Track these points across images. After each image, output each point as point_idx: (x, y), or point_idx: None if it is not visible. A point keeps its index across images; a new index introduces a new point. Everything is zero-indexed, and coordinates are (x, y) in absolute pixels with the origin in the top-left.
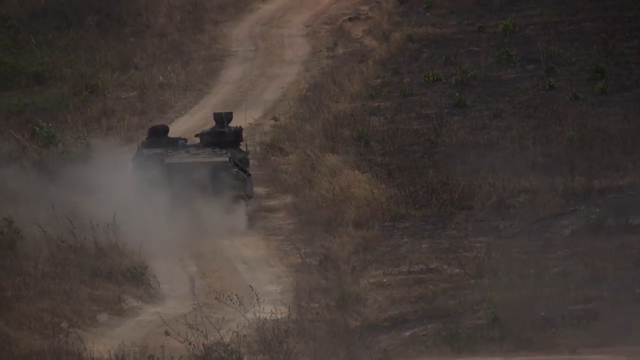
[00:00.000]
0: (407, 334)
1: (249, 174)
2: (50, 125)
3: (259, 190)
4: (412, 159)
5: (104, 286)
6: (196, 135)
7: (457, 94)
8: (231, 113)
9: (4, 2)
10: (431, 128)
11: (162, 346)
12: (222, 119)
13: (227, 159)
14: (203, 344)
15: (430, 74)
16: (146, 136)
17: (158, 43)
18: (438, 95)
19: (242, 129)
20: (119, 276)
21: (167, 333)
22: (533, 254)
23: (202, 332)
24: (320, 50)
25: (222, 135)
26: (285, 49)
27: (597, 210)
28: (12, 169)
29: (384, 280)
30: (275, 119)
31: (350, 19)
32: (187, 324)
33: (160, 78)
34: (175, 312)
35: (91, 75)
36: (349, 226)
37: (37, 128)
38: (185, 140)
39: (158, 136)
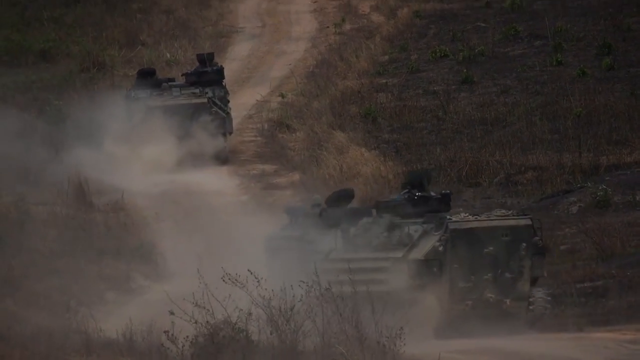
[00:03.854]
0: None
1: (228, 112)
2: (60, 102)
3: (266, 167)
4: (420, 136)
5: (112, 264)
6: (182, 75)
7: (464, 71)
8: (213, 53)
9: None
10: (438, 105)
11: (168, 328)
12: (205, 59)
13: (205, 100)
14: (210, 322)
15: (437, 50)
16: (135, 78)
17: (165, 20)
18: (445, 71)
19: (223, 68)
20: (127, 254)
21: (171, 312)
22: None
23: (209, 310)
24: (328, 27)
25: (205, 75)
26: (293, 26)
27: (605, 187)
28: (21, 146)
29: None
30: (283, 96)
31: None
32: (194, 303)
33: (167, 55)
34: (183, 289)
35: (98, 52)
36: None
37: (47, 108)
38: (173, 80)
39: (145, 78)
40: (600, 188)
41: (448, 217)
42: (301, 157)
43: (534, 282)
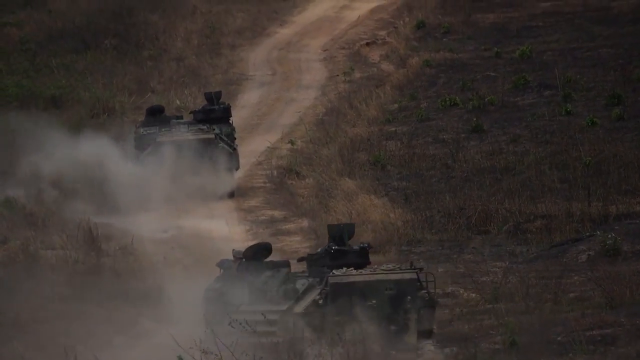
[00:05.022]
0: (424, 358)
1: (235, 148)
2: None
3: (275, 214)
4: (429, 184)
5: (120, 308)
6: (190, 113)
7: (474, 119)
8: (220, 92)
9: (22, 25)
10: (448, 153)
11: None
12: (212, 97)
13: (213, 136)
14: None
15: (447, 99)
16: (144, 116)
17: (175, 67)
18: (455, 120)
19: (230, 106)
20: (136, 298)
21: (180, 358)
22: (550, 279)
23: (216, 355)
24: (337, 75)
25: (212, 112)
26: (303, 74)
27: (614, 235)
28: (30, 191)
29: None
30: (292, 143)
31: (367, 44)
32: (201, 350)
33: (177, 102)
34: (190, 334)
35: (108, 98)
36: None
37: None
38: (182, 117)
39: (154, 115)
40: (609, 237)
41: (330, 271)
42: (310, 204)
43: (426, 335)
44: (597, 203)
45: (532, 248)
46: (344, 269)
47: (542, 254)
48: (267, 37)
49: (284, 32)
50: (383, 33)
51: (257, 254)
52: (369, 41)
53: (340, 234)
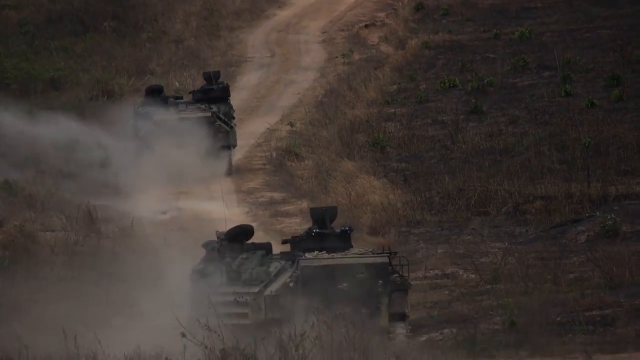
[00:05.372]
0: (422, 338)
1: (232, 127)
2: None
3: (274, 195)
4: (428, 165)
5: (120, 290)
6: (189, 93)
7: (473, 101)
8: (219, 71)
9: (20, 7)
10: (447, 134)
11: (176, 354)
12: (211, 77)
13: (209, 114)
14: (220, 349)
15: (446, 81)
16: (143, 96)
17: (174, 49)
18: (454, 101)
19: (229, 85)
20: (135, 280)
21: (183, 335)
22: (549, 260)
23: (219, 335)
24: (336, 57)
25: (211, 92)
26: (302, 55)
27: (613, 216)
28: (29, 173)
29: None
30: (291, 125)
31: (366, 26)
32: (205, 327)
33: (177, 84)
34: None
35: (107, 80)
36: (364, 232)
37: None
38: (181, 97)
39: (153, 95)
40: (608, 217)
41: (302, 255)
42: (310, 185)
43: (398, 317)
44: (597, 184)
45: (531, 229)
46: (316, 252)
47: (542, 234)
48: (266, 19)
49: (282, 14)
50: (382, 15)
51: (239, 235)
52: (367, 23)
53: (322, 216)
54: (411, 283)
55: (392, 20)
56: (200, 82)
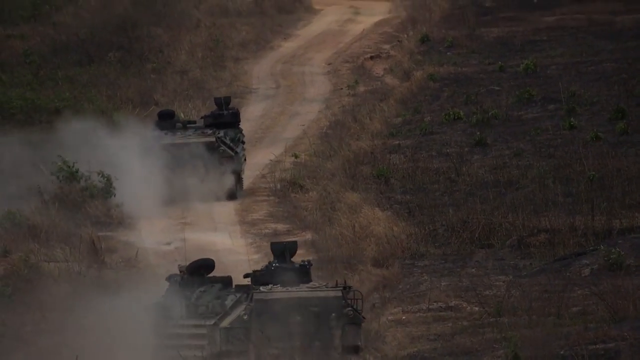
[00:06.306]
0: None
1: (237, 152)
2: (74, 162)
3: (279, 227)
4: (432, 197)
5: (123, 319)
6: (201, 118)
7: (478, 133)
8: (229, 97)
9: (26, 38)
10: (451, 166)
11: None
12: (222, 102)
13: (213, 139)
14: None
15: (450, 113)
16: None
17: (179, 80)
18: (458, 134)
19: (239, 111)
20: (138, 310)
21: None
22: (553, 293)
23: None
24: (341, 88)
25: (221, 117)
26: (307, 87)
27: (617, 250)
28: (32, 204)
29: (403, 317)
30: (296, 156)
31: (371, 58)
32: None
33: (182, 115)
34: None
35: (112, 111)
36: (368, 264)
37: (60, 164)
38: (194, 122)
39: (165, 120)
40: (613, 251)
41: (256, 288)
42: (314, 217)
43: (352, 350)
44: (601, 217)
45: (535, 262)
46: (270, 285)
47: (546, 267)
48: (271, 50)
49: (288, 46)
50: (387, 47)
51: (200, 268)
52: (373, 55)
53: (282, 251)
54: (364, 317)
55: (397, 52)
56: (205, 113)
